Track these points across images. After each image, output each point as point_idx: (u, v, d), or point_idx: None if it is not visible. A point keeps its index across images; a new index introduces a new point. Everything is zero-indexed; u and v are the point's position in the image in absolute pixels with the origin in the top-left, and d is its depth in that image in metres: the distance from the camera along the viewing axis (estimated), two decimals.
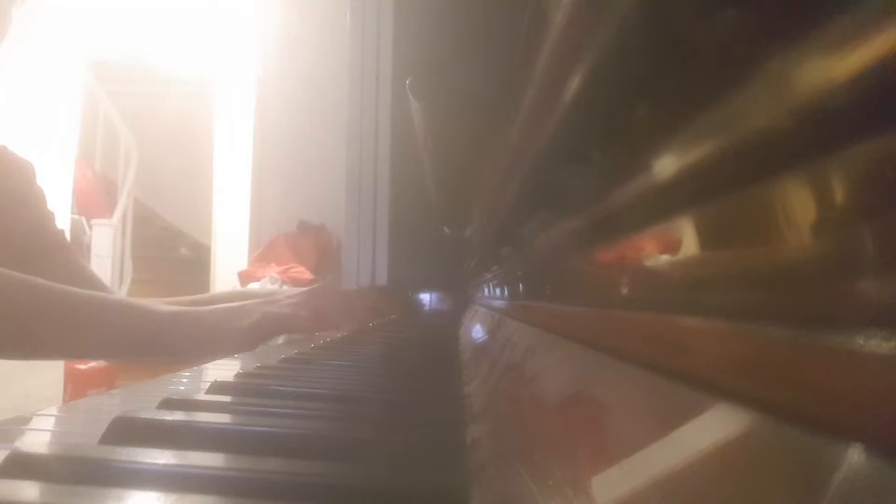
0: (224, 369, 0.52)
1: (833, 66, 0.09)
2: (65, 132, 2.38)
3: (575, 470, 0.17)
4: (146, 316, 0.65)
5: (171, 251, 3.54)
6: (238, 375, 0.43)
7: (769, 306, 0.12)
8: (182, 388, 0.45)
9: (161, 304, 0.69)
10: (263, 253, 2.80)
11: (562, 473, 0.18)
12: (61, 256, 0.78)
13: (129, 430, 0.26)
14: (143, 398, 0.39)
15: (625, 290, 0.21)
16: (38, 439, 0.30)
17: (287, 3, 2.97)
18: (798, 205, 0.11)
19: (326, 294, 0.85)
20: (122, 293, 2.64)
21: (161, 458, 0.22)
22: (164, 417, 0.28)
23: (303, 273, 2.61)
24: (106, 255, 2.79)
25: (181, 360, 0.73)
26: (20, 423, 0.32)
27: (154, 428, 0.27)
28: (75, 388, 2.01)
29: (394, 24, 1.44)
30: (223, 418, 0.30)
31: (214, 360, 0.61)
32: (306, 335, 0.83)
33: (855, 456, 0.09)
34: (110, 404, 0.39)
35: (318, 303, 0.81)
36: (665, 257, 0.17)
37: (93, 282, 0.83)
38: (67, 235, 0.88)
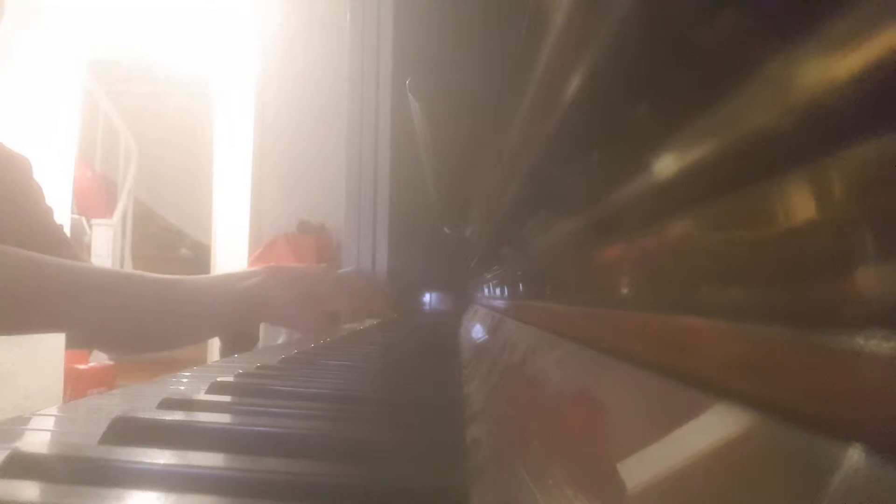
0: (224, 369, 0.52)
1: (833, 66, 0.09)
2: (65, 132, 2.37)
3: (575, 470, 0.17)
4: (146, 283, 0.65)
5: (171, 251, 3.54)
6: (238, 375, 0.43)
7: (770, 306, 0.12)
8: (182, 388, 0.45)
9: (159, 275, 0.69)
10: (263, 253, 2.80)
11: (562, 473, 0.18)
12: (60, 251, 0.78)
13: (129, 430, 0.26)
14: (143, 398, 0.39)
15: (625, 290, 0.21)
16: (38, 439, 0.30)
17: (287, 3, 2.97)
18: (797, 205, 0.11)
19: (330, 282, 0.83)
20: None
21: (161, 458, 0.22)
22: (164, 417, 0.28)
23: None
24: (106, 255, 2.79)
25: (182, 336, 0.72)
26: (20, 423, 0.32)
27: (154, 428, 0.27)
28: (75, 388, 2.00)
29: (394, 24, 1.44)
30: (223, 418, 0.30)
31: (216, 331, 0.61)
32: (305, 332, 0.83)
33: (855, 456, 0.09)
34: (110, 404, 0.39)
35: (323, 291, 0.79)
36: (665, 257, 0.17)
37: None
38: (68, 235, 0.88)
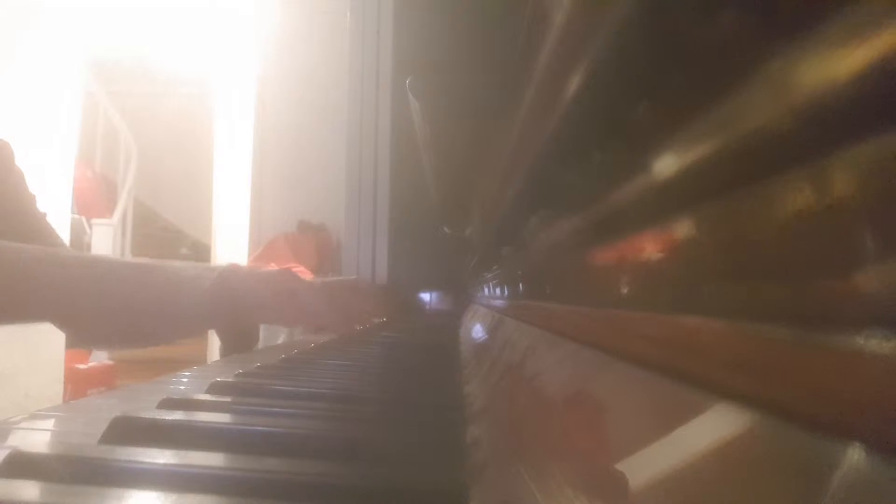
0: (224, 369, 0.52)
1: (833, 66, 0.09)
2: (65, 132, 2.37)
3: (575, 470, 0.17)
4: (123, 268, 0.63)
5: (171, 251, 3.54)
6: (238, 375, 0.43)
7: (769, 306, 0.12)
8: (182, 388, 0.45)
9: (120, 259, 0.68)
10: (263, 253, 2.80)
11: (562, 473, 0.18)
12: (41, 240, 0.76)
13: (129, 430, 0.26)
14: (143, 398, 0.39)
15: (625, 290, 0.21)
16: (38, 439, 0.30)
17: (287, 3, 2.97)
18: (797, 204, 0.11)
19: (314, 287, 0.82)
20: None
21: (161, 457, 0.22)
22: (164, 417, 0.28)
23: (303, 273, 2.61)
24: None
25: (140, 326, 0.70)
26: (20, 423, 0.32)
27: (154, 428, 0.27)
28: (75, 388, 2.00)
29: (394, 24, 1.44)
30: (223, 418, 0.30)
31: (174, 327, 0.59)
32: (286, 325, 0.80)
33: (855, 456, 0.09)
34: (110, 404, 0.39)
35: (300, 290, 0.77)
36: (665, 257, 0.17)
37: None
38: (68, 235, 0.87)
